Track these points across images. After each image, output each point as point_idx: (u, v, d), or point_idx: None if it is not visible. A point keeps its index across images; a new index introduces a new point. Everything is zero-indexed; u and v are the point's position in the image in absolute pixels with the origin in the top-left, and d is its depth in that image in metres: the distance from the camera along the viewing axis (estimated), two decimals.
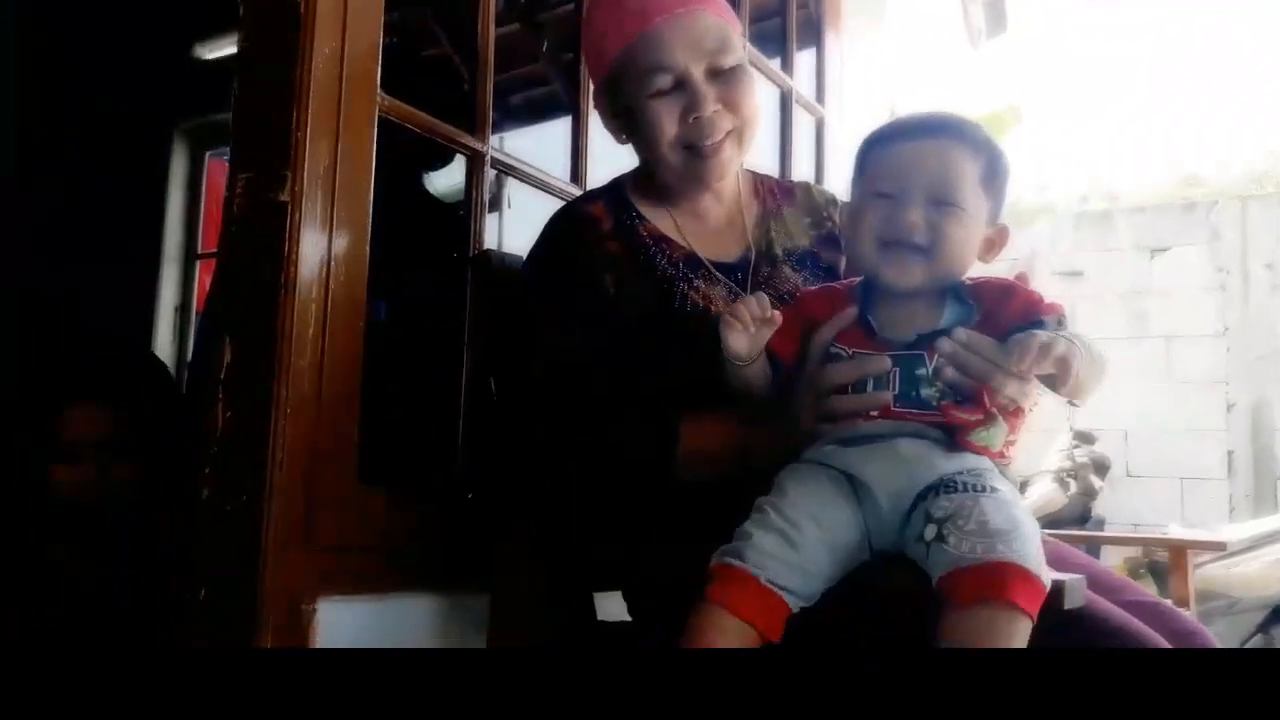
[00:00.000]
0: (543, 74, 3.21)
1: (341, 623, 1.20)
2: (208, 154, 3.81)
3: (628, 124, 1.28)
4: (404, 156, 1.66)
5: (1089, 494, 4.36)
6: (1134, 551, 4.15)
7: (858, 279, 1.09)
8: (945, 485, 0.94)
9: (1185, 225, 5.21)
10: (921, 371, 0.99)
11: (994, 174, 1.04)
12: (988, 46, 4.41)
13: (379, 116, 1.31)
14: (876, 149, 1.06)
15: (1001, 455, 1.01)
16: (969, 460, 0.97)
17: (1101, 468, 4.43)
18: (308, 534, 1.18)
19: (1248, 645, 3.66)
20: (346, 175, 1.25)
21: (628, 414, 1.18)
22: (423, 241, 1.60)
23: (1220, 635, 3.77)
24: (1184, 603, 2.38)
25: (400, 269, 1.45)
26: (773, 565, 0.94)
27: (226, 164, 1.30)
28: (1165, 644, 0.99)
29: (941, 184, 1.01)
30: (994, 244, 1.06)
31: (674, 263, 1.26)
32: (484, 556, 1.31)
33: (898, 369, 1.00)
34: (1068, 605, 0.89)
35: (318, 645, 1.17)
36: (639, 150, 1.31)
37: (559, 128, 1.81)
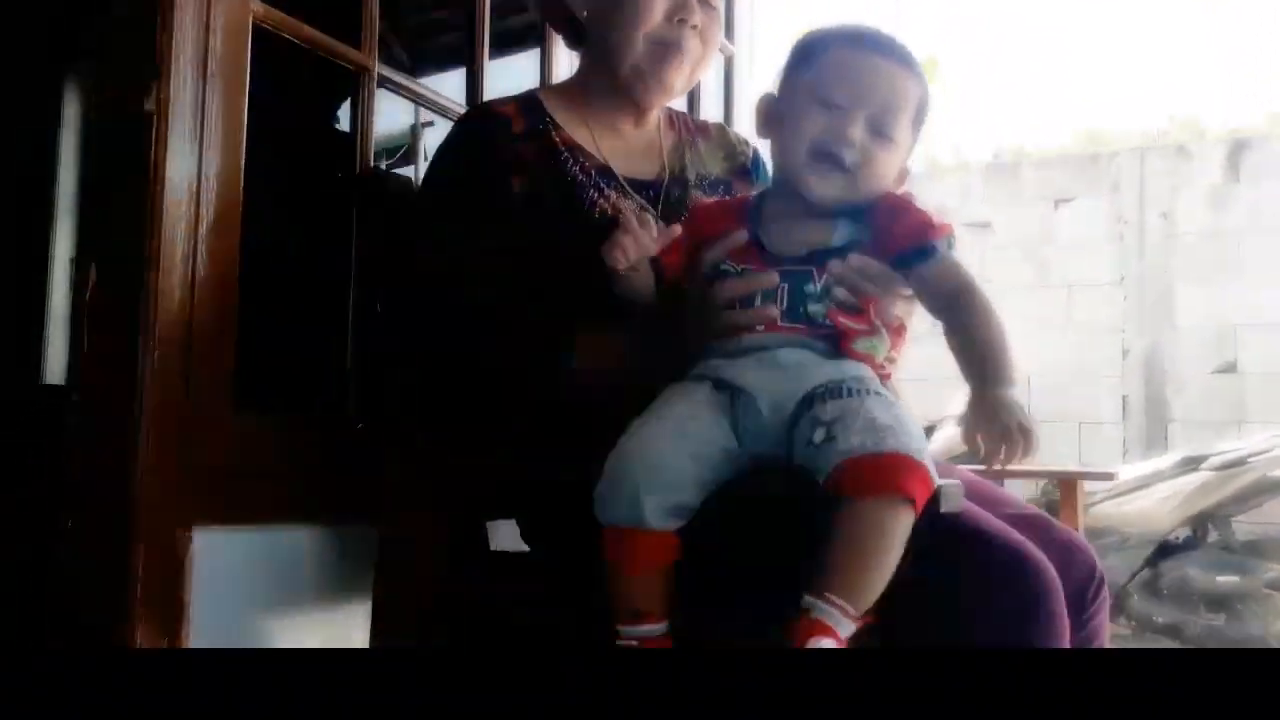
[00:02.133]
0: None
1: (220, 551, 1.17)
2: None
3: (600, 11, 1.27)
4: (309, 82, 1.60)
5: None
6: (1034, 491, 4.30)
7: (749, 197, 1.08)
8: (830, 391, 0.95)
9: (1088, 177, 5.35)
10: (810, 288, 0.99)
11: (923, 113, 1.05)
12: None
13: (255, 25, 1.24)
14: (829, 51, 1.03)
15: (882, 368, 1.02)
16: (851, 368, 0.98)
17: None
18: (182, 460, 1.14)
19: (1137, 578, 3.84)
20: (218, 85, 1.19)
21: (521, 321, 1.16)
22: (317, 164, 1.54)
23: (1112, 569, 3.95)
24: None
25: (292, 191, 1.40)
26: (648, 507, 0.94)
27: None
28: (1033, 550, 1.01)
29: (886, 110, 1.00)
30: (900, 181, 1.06)
31: (586, 171, 1.25)
32: (372, 489, 1.28)
33: (786, 285, 0.99)
34: (944, 508, 0.90)
35: (194, 574, 1.13)
36: (600, 38, 1.29)
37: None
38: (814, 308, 0.99)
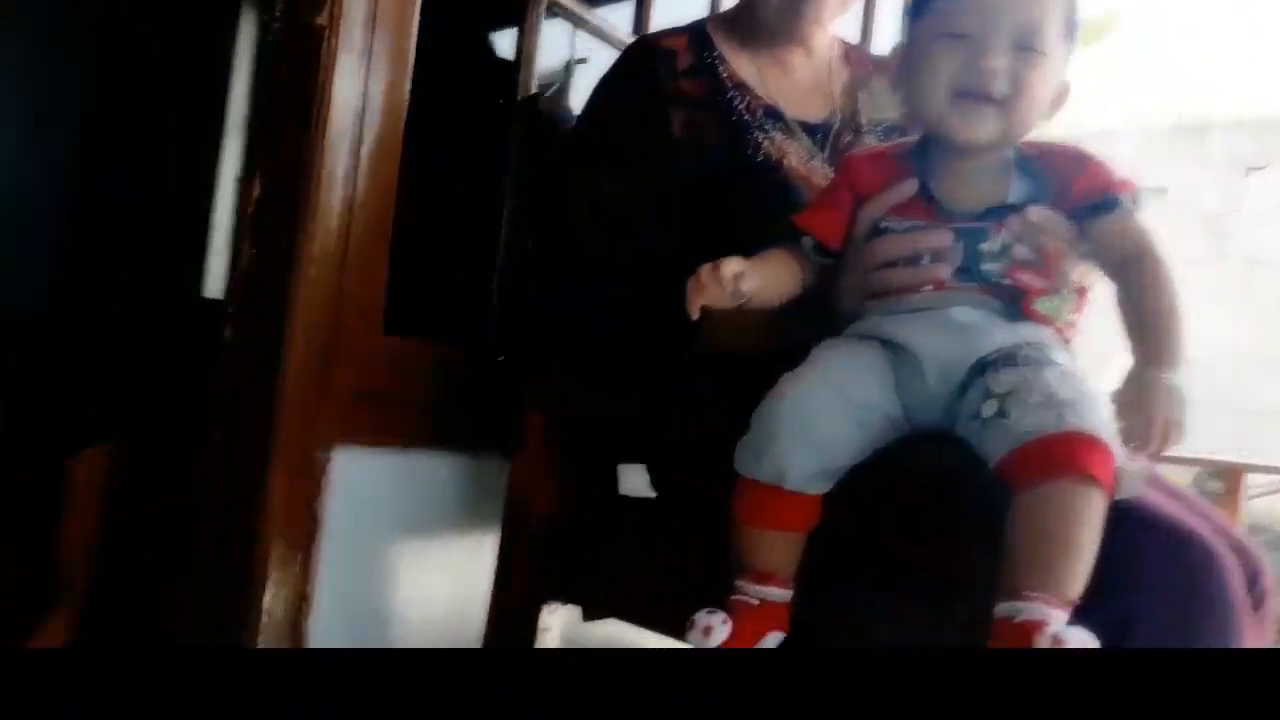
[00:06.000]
0: None
1: (357, 473, 1.18)
2: None
3: None
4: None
5: None
6: (1187, 479, 4.03)
7: (909, 142, 0.99)
8: (1005, 359, 0.87)
9: None
10: (986, 246, 0.91)
11: (1073, 18, 0.93)
12: None
13: None
14: None
15: (1062, 332, 0.93)
16: (1030, 331, 0.89)
17: None
18: (327, 381, 1.15)
19: None
20: (389, 3, 1.17)
21: (663, 267, 1.12)
22: (477, 90, 1.52)
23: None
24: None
25: (451, 115, 1.39)
26: (795, 467, 0.88)
27: None
28: (1222, 549, 0.92)
29: (1028, 25, 0.89)
30: (1059, 100, 0.95)
31: (752, 110, 1.19)
32: (507, 422, 1.27)
33: (960, 243, 0.91)
34: (1122, 494, 0.81)
35: (331, 493, 1.15)
36: None
37: None
38: (990, 266, 0.91)
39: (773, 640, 0.91)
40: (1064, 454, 0.79)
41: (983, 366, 0.87)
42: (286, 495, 1.11)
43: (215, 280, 2.59)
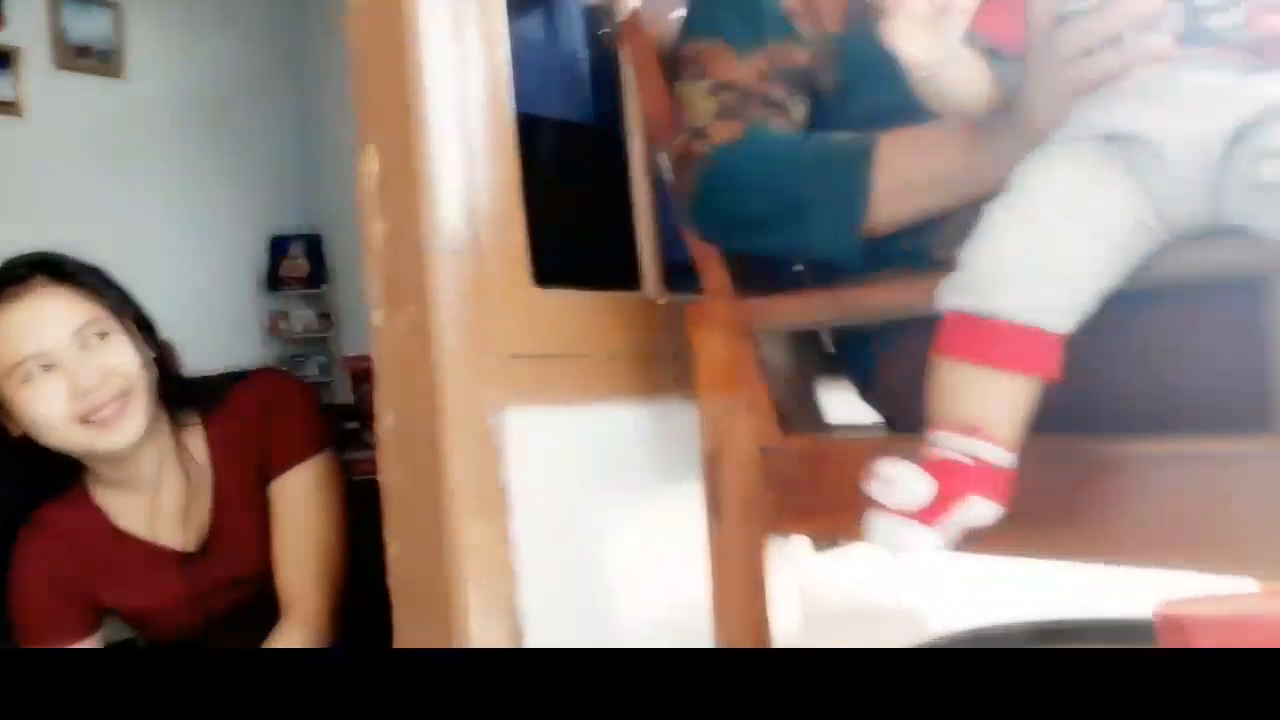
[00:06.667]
0: None
1: (536, 433, 1.10)
2: None
3: None
4: None
5: None
6: None
7: None
8: (1276, 112, 0.69)
9: None
10: None
11: None
12: None
13: None
14: None
15: None
16: None
17: None
18: (483, 341, 1.08)
19: None
20: None
21: (807, 141, 0.99)
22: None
23: None
24: None
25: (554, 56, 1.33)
26: (1029, 301, 0.72)
27: None
28: None
29: None
30: None
31: None
32: (686, 364, 1.16)
33: (1174, 2, 0.72)
34: None
35: (511, 457, 1.08)
36: None
37: None
38: (1220, 21, 0.71)
39: (982, 510, 0.73)
40: None
41: (1247, 129, 0.69)
42: (465, 461, 1.03)
43: None
